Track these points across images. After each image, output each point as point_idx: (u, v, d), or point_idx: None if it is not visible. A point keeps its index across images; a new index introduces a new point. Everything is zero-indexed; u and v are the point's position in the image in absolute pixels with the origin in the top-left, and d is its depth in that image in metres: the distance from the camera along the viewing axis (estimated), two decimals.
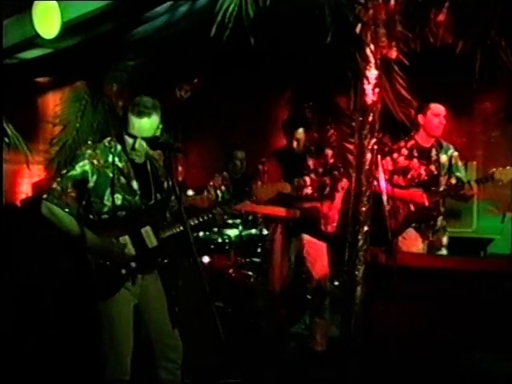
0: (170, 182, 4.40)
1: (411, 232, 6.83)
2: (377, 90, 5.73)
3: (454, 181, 6.81)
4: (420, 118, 6.83)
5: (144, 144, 4.44)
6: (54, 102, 9.83)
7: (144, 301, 4.56)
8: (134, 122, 4.38)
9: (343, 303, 6.28)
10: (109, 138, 4.55)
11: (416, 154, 6.87)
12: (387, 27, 5.69)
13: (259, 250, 8.01)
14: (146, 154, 4.57)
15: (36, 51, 8.58)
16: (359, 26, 5.66)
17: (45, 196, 4.35)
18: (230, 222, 8.22)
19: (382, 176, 5.70)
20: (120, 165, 4.46)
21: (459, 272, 5.60)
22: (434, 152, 6.86)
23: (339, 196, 6.79)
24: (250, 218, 8.34)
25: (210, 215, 4.79)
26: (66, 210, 4.31)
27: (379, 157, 5.73)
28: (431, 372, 5.35)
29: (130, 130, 4.41)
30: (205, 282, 3.66)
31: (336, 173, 6.83)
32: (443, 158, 6.84)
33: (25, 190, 9.81)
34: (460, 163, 6.88)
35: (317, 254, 6.99)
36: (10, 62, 8.39)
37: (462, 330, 5.43)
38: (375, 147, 5.73)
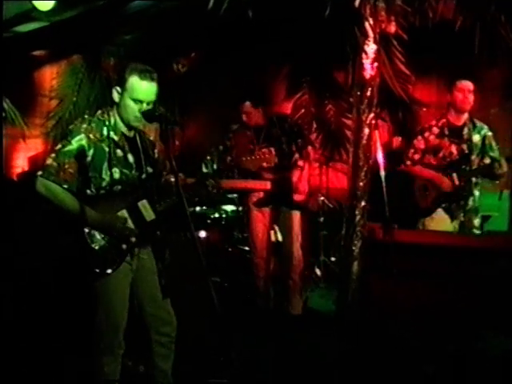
0: (167, 156, 4.33)
1: (440, 212, 6.75)
2: (375, 64, 5.70)
3: (487, 161, 6.67)
4: (449, 95, 6.73)
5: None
6: (50, 76, 9.80)
7: (139, 275, 4.54)
8: (142, 84, 4.32)
9: (339, 278, 6.29)
10: (100, 111, 4.46)
11: (447, 133, 6.75)
12: (386, 1, 5.66)
13: None
14: (135, 128, 4.53)
15: (32, 24, 8.54)
16: None
17: (40, 173, 4.24)
18: (228, 196, 8.22)
19: (379, 151, 5.67)
20: (116, 138, 4.39)
21: (456, 248, 5.60)
22: (465, 131, 6.72)
23: (308, 165, 6.80)
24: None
25: (203, 188, 4.76)
26: (65, 186, 4.22)
27: (377, 132, 5.72)
28: (427, 348, 5.36)
29: (136, 94, 4.33)
30: (201, 257, 3.64)
31: (300, 141, 6.82)
32: (476, 138, 6.71)
33: (21, 164, 9.78)
34: (494, 143, 6.72)
35: (292, 223, 6.99)
36: (6, 36, 8.33)
37: (458, 307, 5.43)
38: (373, 122, 5.72)
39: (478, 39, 5.84)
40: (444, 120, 6.80)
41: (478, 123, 6.78)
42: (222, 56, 8.72)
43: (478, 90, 6.84)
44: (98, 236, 4.31)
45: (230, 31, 7.82)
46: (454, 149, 6.72)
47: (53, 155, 4.27)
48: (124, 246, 4.36)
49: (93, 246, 4.29)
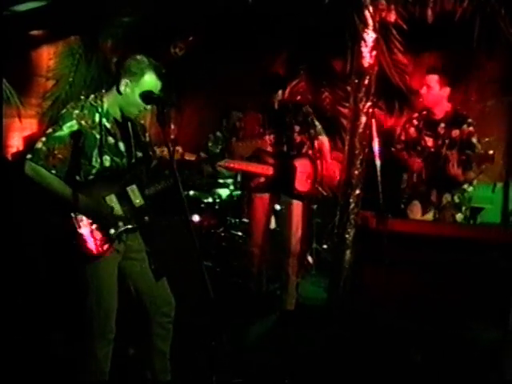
0: (162, 139, 4.29)
1: (416, 204, 6.70)
2: (374, 52, 5.70)
3: (464, 157, 6.40)
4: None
5: None
6: (47, 56, 9.74)
7: (128, 258, 4.52)
8: (158, 83, 4.33)
9: (332, 266, 6.31)
10: (93, 96, 4.38)
11: (423, 126, 6.68)
12: None
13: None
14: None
15: (30, 4, 8.49)
16: None
17: (29, 156, 4.17)
18: (221, 181, 8.21)
19: (375, 140, 5.67)
20: (108, 125, 4.34)
21: (449, 239, 5.62)
22: (442, 125, 6.60)
23: (318, 155, 6.73)
24: (239, 179, 8.34)
25: (199, 172, 4.76)
26: (53, 171, 4.16)
27: (373, 121, 5.71)
28: (418, 336, 5.39)
29: (143, 86, 4.33)
30: (195, 241, 3.64)
31: (312, 131, 6.77)
32: (455, 133, 6.52)
33: (16, 143, 9.75)
34: (474, 139, 6.48)
35: (292, 213, 6.94)
36: (4, 14, 8.30)
37: (450, 297, 5.47)
38: (370, 110, 5.72)
39: (476, 31, 5.84)
40: (425, 112, 6.71)
41: (462, 117, 6.57)
42: (220, 41, 8.70)
43: (475, 83, 6.85)
44: (85, 221, 4.28)
45: (228, 16, 7.80)
46: (430, 143, 6.63)
47: (43, 139, 4.20)
48: (112, 232, 4.36)
49: (80, 230, 4.27)
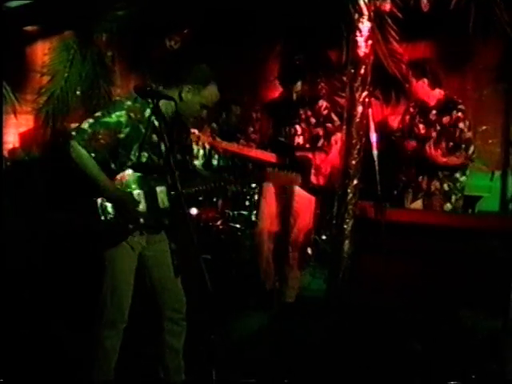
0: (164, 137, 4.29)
1: (410, 192, 6.75)
2: (369, 42, 5.69)
3: (451, 144, 6.44)
4: None
5: None
6: (42, 52, 9.75)
7: (152, 256, 4.52)
8: (216, 96, 4.49)
9: (331, 257, 6.30)
10: None
11: (417, 114, 6.76)
12: None
13: (247, 202, 7.97)
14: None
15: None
16: None
17: (73, 133, 4.19)
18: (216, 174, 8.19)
19: (372, 130, 5.67)
20: (156, 123, 4.33)
21: (447, 228, 5.62)
22: (433, 112, 6.63)
23: (335, 150, 6.66)
24: (237, 170, 8.31)
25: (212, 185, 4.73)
26: (92, 154, 4.17)
27: (370, 110, 5.71)
28: (417, 327, 5.39)
29: (208, 102, 4.47)
30: (193, 234, 3.63)
31: (330, 125, 6.73)
32: (446, 119, 6.54)
33: (12, 140, 9.75)
34: (461, 124, 6.45)
35: (302, 206, 6.90)
36: None
37: (449, 286, 5.47)
38: (366, 100, 5.71)
39: (472, 18, 5.83)
40: (419, 100, 6.74)
41: (453, 104, 6.58)
42: (215, 33, 8.68)
43: (470, 71, 6.86)
44: (109, 209, 4.29)
45: (223, 8, 7.78)
46: (422, 130, 6.67)
47: (90, 120, 4.23)
48: (131, 226, 4.36)
49: (102, 218, 4.27)
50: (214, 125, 8.52)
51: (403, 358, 5.17)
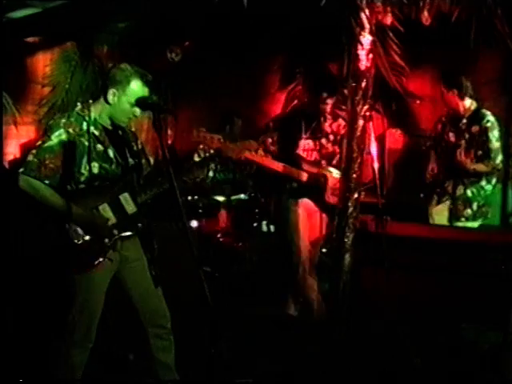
0: (159, 145, 4.26)
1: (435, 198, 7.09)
2: (370, 55, 5.68)
3: (480, 152, 6.78)
4: None
5: None
6: (43, 63, 9.77)
7: (125, 267, 4.52)
8: (144, 90, 4.35)
9: (331, 271, 6.28)
10: (80, 106, 4.43)
11: (448, 122, 7.04)
12: None
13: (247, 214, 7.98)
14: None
15: (26, 11, 8.50)
16: None
17: (21, 170, 4.20)
18: (218, 186, 8.19)
19: (373, 143, 5.68)
20: (96, 132, 4.36)
21: (448, 242, 5.61)
22: (464, 121, 6.91)
23: None
24: (237, 182, 8.32)
25: (190, 178, 4.72)
26: (46, 181, 4.20)
27: (371, 124, 5.71)
28: (418, 340, 5.37)
29: (130, 95, 4.35)
30: (193, 246, 3.62)
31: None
32: (475, 129, 6.83)
33: (13, 151, 9.75)
34: (491, 134, 6.75)
35: (311, 221, 6.86)
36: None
37: (450, 300, 5.45)
38: (367, 114, 5.70)
39: (473, 32, 5.83)
40: (451, 111, 7.04)
41: (484, 114, 6.87)
42: (216, 45, 8.70)
43: (471, 84, 6.91)
44: (80, 231, 4.29)
45: (224, 20, 7.80)
46: (452, 137, 6.93)
47: (34, 151, 4.25)
48: (106, 241, 4.34)
49: (75, 241, 4.27)
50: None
51: (404, 372, 5.15)
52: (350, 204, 5.76)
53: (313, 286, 6.77)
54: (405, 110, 7.85)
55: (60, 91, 9.41)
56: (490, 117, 6.81)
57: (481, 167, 6.77)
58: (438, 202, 7.02)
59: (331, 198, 6.53)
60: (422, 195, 7.19)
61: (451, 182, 6.92)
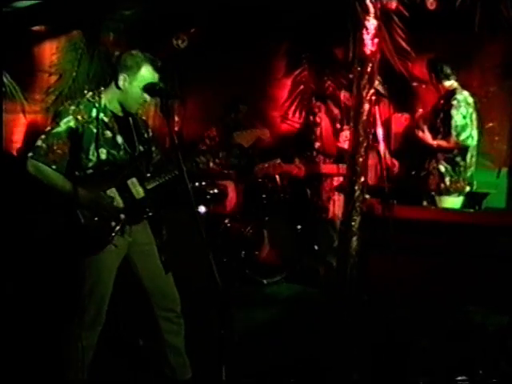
0: (168, 132, 4.28)
1: None
2: (376, 40, 5.71)
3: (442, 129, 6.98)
4: None
5: None
6: (50, 51, 9.77)
7: (135, 251, 4.56)
8: (155, 75, 4.40)
9: (339, 254, 6.32)
10: (91, 93, 4.48)
11: (442, 102, 7.07)
12: None
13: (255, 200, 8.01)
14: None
15: (32, 0, 8.52)
16: None
17: (30, 154, 4.28)
18: (225, 172, 8.21)
19: (379, 127, 5.71)
20: (106, 119, 4.40)
21: (455, 225, 5.64)
22: (441, 101, 7.04)
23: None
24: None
25: (194, 164, 4.75)
26: (53, 167, 4.26)
27: (377, 107, 5.74)
28: (425, 323, 5.41)
29: (140, 80, 4.38)
30: (202, 231, 3.66)
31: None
32: (447, 106, 6.93)
33: (21, 139, 9.79)
34: (454, 111, 6.82)
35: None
36: (6, 11, 8.32)
37: (457, 283, 5.48)
38: (373, 98, 5.73)
39: (478, 16, 5.84)
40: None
41: (454, 92, 6.95)
42: (222, 32, 8.71)
43: (477, 68, 6.95)
44: (87, 214, 4.32)
45: (230, 7, 7.81)
46: (435, 119, 7.09)
47: (43, 137, 4.31)
48: (113, 224, 4.39)
49: (83, 223, 4.32)
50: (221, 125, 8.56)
51: (411, 353, 5.18)
52: (356, 188, 5.81)
53: None
54: (410, 94, 7.86)
55: (67, 79, 9.43)
56: (458, 95, 6.89)
57: (443, 143, 6.88)
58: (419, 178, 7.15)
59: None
60: (413, 173, 7.28)
61: (428, 158, 7.06)
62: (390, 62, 6.55)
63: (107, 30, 9.37)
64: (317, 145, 7.19)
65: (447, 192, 6.92)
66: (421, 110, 7.34)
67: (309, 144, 7.32)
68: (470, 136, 6.82)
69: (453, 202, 6.93)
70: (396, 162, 7.14)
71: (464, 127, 6.76)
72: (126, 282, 4.59)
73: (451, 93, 6.92)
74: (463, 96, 6.87)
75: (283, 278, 7.54)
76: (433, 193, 6.98)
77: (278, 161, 5.81)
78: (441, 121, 6.92)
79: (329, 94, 7.47)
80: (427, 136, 6.96)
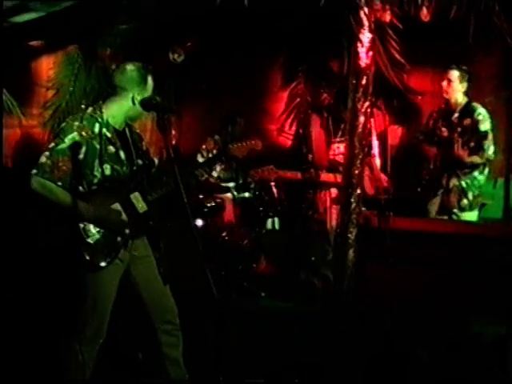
0: (164, 145, 4.32)
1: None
2: (370, 53, 5.74)
3: (472, 144, 6.96)
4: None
5: None
6: (47, 66, 9.79)
7: (135, 265, 4.58)
8: (151, 82, 4.45)
9: (335, 266, 6.33)
10: (92, 108, 4.49)
11: (440, 117, 7.20)
12: None
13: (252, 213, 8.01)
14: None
15: (29, 15, 8.54)
16: None
17: (34, 171, 4.25)
18: (223, 185, 8.23)
19: (374, 139, 5.75)
20: (108, 134, 4.42)
21: (451, 235, 5.65)
22: (456, 115, 7.09)
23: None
24: (241, 181, 8.38)
25: (192, 177, 4.77)
26: (59, 183, 4.25)
27: (372, 120, 5.77)
28: (423, 333, 5.41)
29: (148, 91, 4.45)
30: (199, 244, 3.67)
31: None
32: (467, 121, 7.01)
33: (18, 154, 9.79)
34: (481, 126, 6.95)
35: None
36: (3, 26, 8.35)
37: (454, 293, 5.49)
38: (368, 110, 5.76)
39: (471, 28, 5.87)
40: (442, 106, 7.24)
41: (474, 107, 7.05)
42: (218, 45, 8.74)
43: (472, 79, 6.99)
44: (92, 230, 4.34)
45: (225, 21, 7.83)
46: (444, 132, 7.09)
47: (47, 153, 4.28)
48: (119, 239, 4.41)
49: (88, 240, 4.33)
50: (217, 137, 8.57)
51: (409, 365, 5.19)
52: (352, 200, 5.82)
53: None
54: (406, 106, 7.89)
55: (64, 94, 9.43)
56: (480, 109, 7.01)
57: (476, 159, 6.95)
58: (434, 196, 7.14)
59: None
60: (419, 189, 7.30)
61: (445, 174, 7.07)
62: (385, 75, 6.57)
63: (104, 44, 9.38)
64: (309, 157, 7.19)
65: (470, 207, 7.00)
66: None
67: (302, 157, 7.33)
68: (496, 149, 6.96)
69: (473, 216, 7.04)
70: (384, 177, 7.11)
71: (491, 141, 6.91)
72: (125, 295, 4.62)
73: (466, 106, 7.06)
74: (484, 110, 7.02)
75: (280, 290, 7.54)
76: (455, 210, 7.00)
77: (271, 167, 5.82)
78: (466, 136, 6.95)
79: (324, 105, 7.46)
80: (464, 153, 6.93)
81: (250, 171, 5.61)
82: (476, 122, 6.94)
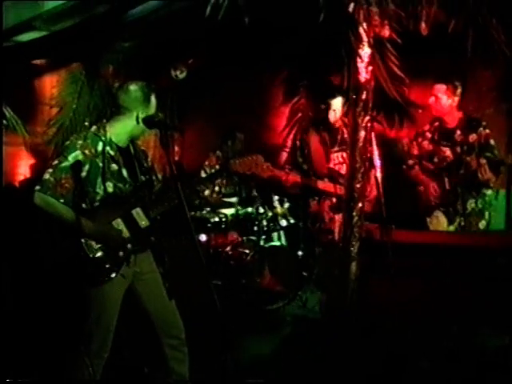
0: (167, 161, 4.35)
1: (439, 214, 6.87)
2: (370, 68, 5.77)
3: (483, 161, 6.53)
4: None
5: None
6: (50, 84, 9.86)
7: (139, 280, 4.64)
8: (154, 100, 4.52)
9: (338, 279, 6.34)
10: (95, 127, 4.56)
11: (439, 137, 6.91)
12: (380, 6, 5.72)
13: (255, 228, 8.03)
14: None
15: (32, 34, 8.60)
16: (352, 4, 5.69)
17: (38, 187, 4.33)
18: (226, 200, 8.26)
19: (376, 153, 5.76)
20: (112, 153, 4.49)
21: (454, 247, 5.66)
22: (458, 132, 6.81)
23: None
24: (244, 196, 8.41)
25: (195, 192, 4.81)
26: (61, 200, 4.32)
27: (373, 134, 5.80)
28: (426, 346, 5.43)
29: (152, 110, 4.51)
30: (203, 259, 3.71)
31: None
32: (472, 138, 6.70)
33: (23, 171, 9.85)
34: (492, 141, 6.71)
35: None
36: (6, 45, 8.41)
37: (456, 305, 5.50)
38: (369, 125, 5.79)
39: (470, 41, 5.90)
40: (437, 124, 6.96)
41: (476, 121, 6.79)
42: (220, 62, 8.79)
43: (471, 92, 6.97)
44: (95, 246, 4.40)
45: (227, 37, 7.88)
46: (448, 152, 6.81)
47: (50, 170, 4.36)
48: (121, 254, 4.45)
49: (91, 255, 4.39)
50: (219, 152, 8.61)
51: (413, 377, 5.20)
52: (354, 213, 5.85)
53: None
54: (407, 120, 7.91)
55: (68, 112, 9.48)
56: (484, 123, 6.75)
57: (492, 177, 6.65)
58: (451, 222, 6.84)
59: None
60: (428, 219, 6.95)
61: (459, 199, 6.77)
62: (385, 89, 6.60)
63: (106, 61, 9.44)
64: (305, 167, 7.22)
65: (487, 226, 6.83)
66: None
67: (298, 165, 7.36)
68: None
69: None
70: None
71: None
72: (131, 310, 4.66)
73: (468, 121, 6.80)
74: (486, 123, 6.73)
75: (284, 305, 7.57)
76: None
77: (261, 158, 5.60)
78: (468, 154, 6.63)
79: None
80: (493, 176, 6.60)
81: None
82: (486, 136, 6.65)
